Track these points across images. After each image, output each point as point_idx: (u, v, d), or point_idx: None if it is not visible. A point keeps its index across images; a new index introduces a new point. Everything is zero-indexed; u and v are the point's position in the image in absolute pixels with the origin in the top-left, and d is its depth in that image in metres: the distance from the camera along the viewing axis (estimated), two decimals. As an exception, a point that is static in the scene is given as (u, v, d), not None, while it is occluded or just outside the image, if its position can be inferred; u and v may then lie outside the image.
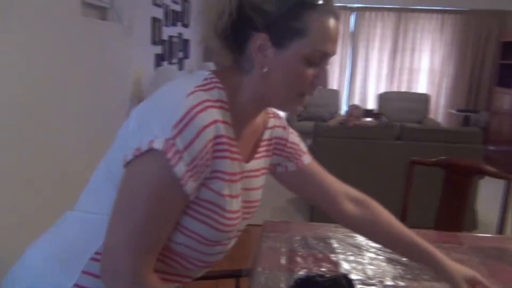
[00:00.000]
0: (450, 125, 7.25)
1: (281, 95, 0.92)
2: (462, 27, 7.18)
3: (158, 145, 0.79)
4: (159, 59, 3.82)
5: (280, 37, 0.87)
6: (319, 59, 0.90)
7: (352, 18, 7.28)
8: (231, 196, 0.91)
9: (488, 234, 1.83)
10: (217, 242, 0.93)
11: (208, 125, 0.82)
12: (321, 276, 1.11)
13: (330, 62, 0.94)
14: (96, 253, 0.88)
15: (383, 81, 7.50)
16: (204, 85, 0.87)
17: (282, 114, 1.17)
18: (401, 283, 1.34)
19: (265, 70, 0.89)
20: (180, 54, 4.61)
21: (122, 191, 0.83)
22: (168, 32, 4.08)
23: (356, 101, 7.43)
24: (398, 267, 1.45)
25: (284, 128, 1.12)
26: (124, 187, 0.83)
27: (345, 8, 7.20)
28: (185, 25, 4.70)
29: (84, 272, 0.88)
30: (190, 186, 0.83)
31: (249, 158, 1.00)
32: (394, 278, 1.38)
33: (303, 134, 5.30)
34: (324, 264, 1.45)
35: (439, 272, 1.16)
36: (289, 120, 6.78)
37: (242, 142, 0.96)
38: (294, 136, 1.16)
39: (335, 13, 0.90)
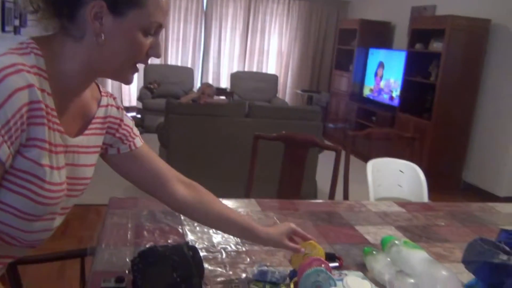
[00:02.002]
0: (295, 104, 7.80)
1: (116, 64, 0.91)
2: (305, 13, 7.72)
3: None
4: (-11, 26, 3.40)
5: (118, 5, 0.86)
6: (154, 31, 0.92)
7: (205, -3, 7.32)
8: (51, 167, 0.87)
9: (320, 200, 2.04)
10: (38, 217, 0.88)
11: (21, 88, 0.78)
12: (164, 246, 1.13)
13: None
14: None
15: (236, 61, 7.73)
16: (19, 48, 0.82)
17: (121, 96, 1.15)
18: (243, 248, 1.43)
19: (101, 38, 0.87)
20: (16, 22, 4.16)
21: None
22: (0, -5, 3.64)
23: (210, 79, 7.54)
24: (241, 234, 1.54)
25: (118, 108, 1.10)
26: None
27: (198, -14, 7.20)
28: (22, -10, 4.23)
29: None
30: (3, 151, 0.78)
31: (77, 133, 0.96)
32: (236, 244, 1.46)
33: (156, 111, 5.23)
34: (171, 236, 1.47)
35: (264, 241, 1.27)
36: (142, 97, 6.62)
37: (67, 115, 0.92)
38: (128, 119, 1.14)
39: None
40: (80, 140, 0.96)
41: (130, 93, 7.48)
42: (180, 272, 1.04)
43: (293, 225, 1.28)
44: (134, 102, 7.40)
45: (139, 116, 6.71)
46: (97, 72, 0.93)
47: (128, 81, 0.96)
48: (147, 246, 1.36)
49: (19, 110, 0.77)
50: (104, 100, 1.05)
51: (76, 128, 0.97)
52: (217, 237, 1.50)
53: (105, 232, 1.46)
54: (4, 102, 0.75)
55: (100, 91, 1.05)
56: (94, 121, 1.01)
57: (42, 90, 0.82)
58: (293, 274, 1.20)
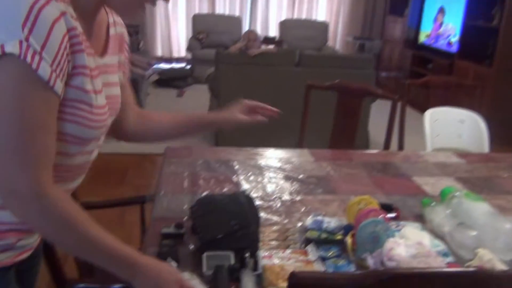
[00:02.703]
0: (346, 52, 7.55)
1: None
2: (359, -45, 7.30)
3: (12, 48, 0.73)
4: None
5: None
6: None
7: None
8: (95, 92, 0.88)
9: (375, 150, 2.00)
10: (90, 140, 0.91)
11: (58, 19, 0.77)
12: (221, 195, 1.15)
13: None
14: None
15: (284, 9, 7.51)
16: None
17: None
18: (298, 198, 1.44)
19: None
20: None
21: None
22: None
23: (258, 28, 7.40)
24: (294, 183, 1.54)
25: (122, 25, 1.08)
26: None
27: None
28: None
29: None
30: (59, 86, 0.79)
31: (102, 53, 0.96)
32: (291, 193, 1.46)
33: (205, 61, 5.16)
34: (226, 185, 1.49)
35: (220, 123, 1.28)
36: (190, 48, 6.62)
37: (92, 38, 0.92)
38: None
39: None
40: (106, 60, 0.97)
41: (179, 43, 7.49)
42: (237, 220, 1.05)
43: (246, 101, 1.28)
44: (183, 52, 7.42)
45: (188, 66, 6.74)
46: (107, 1, 0.92)
47: (134, 18, 0.95)
48: (204, 194, 1.39)
49: (62, 41, 0.78)
50: (111, 19, 1.03)
51: (100, 49, 0.97)
52: (272, 186, 1.51)
53: (163, 180, 1.50)
54: (48, 37, 0.75)
55: (106, 10, 1.02)
56: (110, 40, 1.00)
57: (71, 16, 0.82)
58: (347, 228, 1.19)
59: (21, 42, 0.73)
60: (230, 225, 1.05)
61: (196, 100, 5.06)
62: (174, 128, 1.25)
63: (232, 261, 1.00)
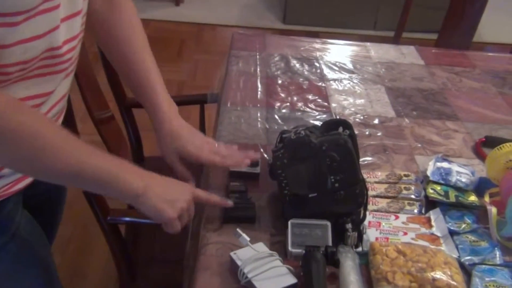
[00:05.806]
0: None
1: None
2: None
3: None
4: None
5: None
6: None
7: None
8: None
9: (507, 54, 1.53)
10: (26, 12, 0.56)
11: None
12: (314, 129, 0.81)
13: None
14: None
15: None
16: None
17: None
18: (406, 123, 1.07)
19: None
20: None
21: None
22: None
23: None
24: (400, 99, 1.16)
25: None
26: None
27: None
28: None
29: None
30: None
31: None
32: (397, 115, 1.10)
33: None
34: (310, 96, 1.14)
35: (156, 130, 0.84)
36: None
37: None
38: None
39: None
40: None
41: None
42: (340, 176, 0.73)
43: (203, 156, 0.81)
44: None
45: None
46: None
47: None
48: (284, 110, 1.06)
49: None
50: None
51: None
52: (369, 102, 1.14)
53: (229, 84, 1.16)
54: None
55: None
56: None
57: None
58: (480, 183, 0.86)
59: None
60: (328, 182, 0.73)
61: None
62: (123, 65, 0.86)
63: (330, 236, 0.71)
